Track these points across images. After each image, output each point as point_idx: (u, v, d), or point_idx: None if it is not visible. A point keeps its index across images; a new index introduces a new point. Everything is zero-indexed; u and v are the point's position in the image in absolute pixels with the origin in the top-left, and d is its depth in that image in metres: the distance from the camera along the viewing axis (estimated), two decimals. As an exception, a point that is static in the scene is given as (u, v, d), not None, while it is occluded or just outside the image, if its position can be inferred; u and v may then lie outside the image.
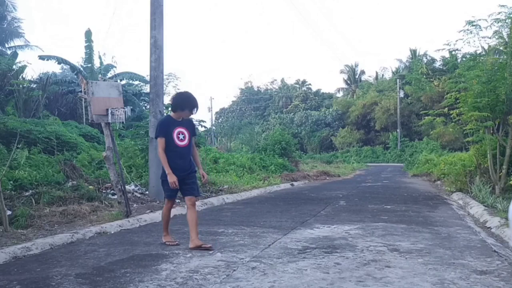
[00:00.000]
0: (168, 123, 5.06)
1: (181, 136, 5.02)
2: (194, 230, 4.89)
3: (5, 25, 24.57)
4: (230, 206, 8.98)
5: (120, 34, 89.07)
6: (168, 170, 4.88)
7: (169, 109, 5.69)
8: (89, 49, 23.69)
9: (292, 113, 51.98)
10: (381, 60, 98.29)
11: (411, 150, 33.85)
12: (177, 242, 5.14)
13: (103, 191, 8.75)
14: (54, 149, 11.47)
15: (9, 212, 6.01)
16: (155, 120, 8.93)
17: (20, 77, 17.50)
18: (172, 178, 4.85)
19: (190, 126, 5.18)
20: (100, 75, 20.19)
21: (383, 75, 55.32)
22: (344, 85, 57.79)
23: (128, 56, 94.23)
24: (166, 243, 5.12)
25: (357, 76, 56.67)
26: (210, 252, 4.69)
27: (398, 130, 40.35)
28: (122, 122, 6.96)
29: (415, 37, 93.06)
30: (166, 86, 34.29)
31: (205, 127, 14.48)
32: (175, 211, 7.70)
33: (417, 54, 43.47)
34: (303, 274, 3.85)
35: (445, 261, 4.28)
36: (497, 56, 12.92)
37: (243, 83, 67.20)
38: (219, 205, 9.17)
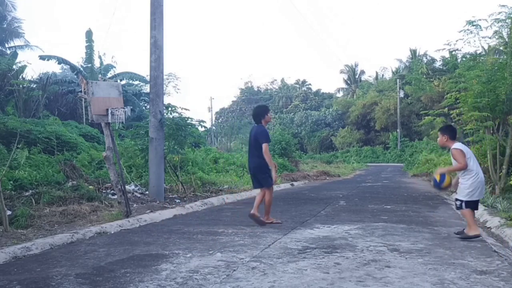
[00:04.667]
0: None
1: None
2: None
3: (5, 25, 24.51)
4: (230, 206, 8.98)
5: (120, 34, 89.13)
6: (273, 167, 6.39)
7: (261, 120, 6.58)
8: (89, 49, 23.66)
9: (292, 113, 51.98)
10: (381, 60, 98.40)
11: (411, 150, 33.83)
12: (280, 221, 6.54)
13: (103, 191, 8.75)
14: (54, 149, 11.47)
15: (9, 212, 6.01)
16: (155, 120, 8.88)
17: (20, 77, 17.48)
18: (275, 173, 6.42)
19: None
20: (100, 75, 20.17)
21: (383, 75, 55.42)
22: (344, 85, 57.84)
23: (128, 56, 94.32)
24: (273, 222, 6.41)
25: (357, 76, 56.68)
26: (210, 252, 4.70)
27: (398, 130, 40.35)
28: (122, 122, 6.96)
29: (415, 37, 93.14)
30: (166, 86, 34.48)
31: (205, 127, 14.42)
32: (175, 211, 7.72)
33: (417, 54, 43.47)
34: (303, 274, 3.85)
35: (445, 261, 4.28)
36: (497, 56, 12.94)
37: (243, 83, 67.29)
38: (219, 205, 9.17)
